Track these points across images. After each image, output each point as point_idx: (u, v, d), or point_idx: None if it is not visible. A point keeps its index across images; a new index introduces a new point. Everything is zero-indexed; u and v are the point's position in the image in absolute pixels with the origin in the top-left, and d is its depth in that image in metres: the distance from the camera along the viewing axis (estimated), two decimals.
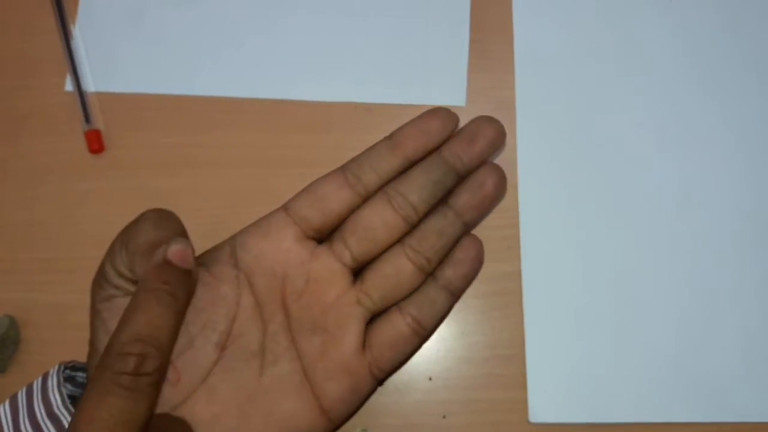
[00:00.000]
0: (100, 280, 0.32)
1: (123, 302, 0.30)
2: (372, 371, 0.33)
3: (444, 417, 0.38)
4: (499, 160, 0.42)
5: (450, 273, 0.34)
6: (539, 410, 0.38)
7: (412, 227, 0.34)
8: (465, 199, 0.34)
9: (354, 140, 0.42)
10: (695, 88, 0.43)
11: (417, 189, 0.33)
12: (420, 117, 0.35)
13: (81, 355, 0.34)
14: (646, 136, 0.42)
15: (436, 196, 0.34)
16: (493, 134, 0.34)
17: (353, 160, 0.35)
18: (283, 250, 0.33)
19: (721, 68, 0.43)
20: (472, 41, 0.43)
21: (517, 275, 0.40)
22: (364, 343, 0.33)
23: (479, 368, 0.39)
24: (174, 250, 0.29)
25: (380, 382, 0.35)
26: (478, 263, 0.35)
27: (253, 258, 0.33)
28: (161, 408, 0.30)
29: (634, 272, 0.40)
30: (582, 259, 0.40)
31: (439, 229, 0.34)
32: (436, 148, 0.34)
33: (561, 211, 0.41)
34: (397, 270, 0.33)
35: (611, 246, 0.40)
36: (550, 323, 0.39)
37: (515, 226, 0.41)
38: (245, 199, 0.42)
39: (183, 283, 0.29)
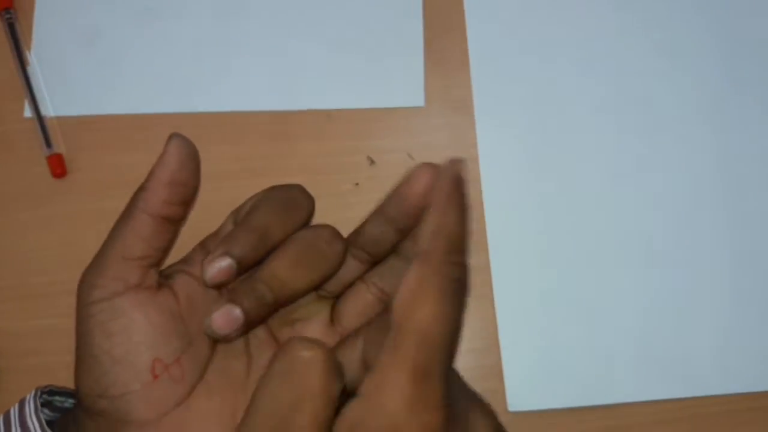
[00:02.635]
0: (95, 278, 0.30)
1: (125, 303, 0.30)
2: None
3: None
4: (461, 155, 0.42)
5: (408, 245, 0.34)
6: (517, 399, 0.38)
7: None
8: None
9: (316, 147, 0.43)
10: (651, 73, 0.44)
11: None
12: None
13: (60, 379, 0.34)
14: (604, 123, 0.43)
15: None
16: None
17: None
18: None
19: (677, 52, 0.44)
20: (426, 42, 0.44)
21: (485, 268, 0.40)
22: (333, 319, 0.34)
23: (455, 362, 0.39)
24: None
25: None
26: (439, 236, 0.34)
27: None
28: (167, 405, 0.30)
29: (600, 257, 0.41)
30: (548, 247, 0.41)
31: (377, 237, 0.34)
32: None
33: (525, 203, 0.42)
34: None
35: (576, 233, 0.41)
36: (521, 313, 0.40)
37: (480, 220, 0.41)
38: (212, 212, 0.42)
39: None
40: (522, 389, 0.38)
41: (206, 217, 0.41)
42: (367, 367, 0.27)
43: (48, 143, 0.42)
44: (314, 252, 0.32)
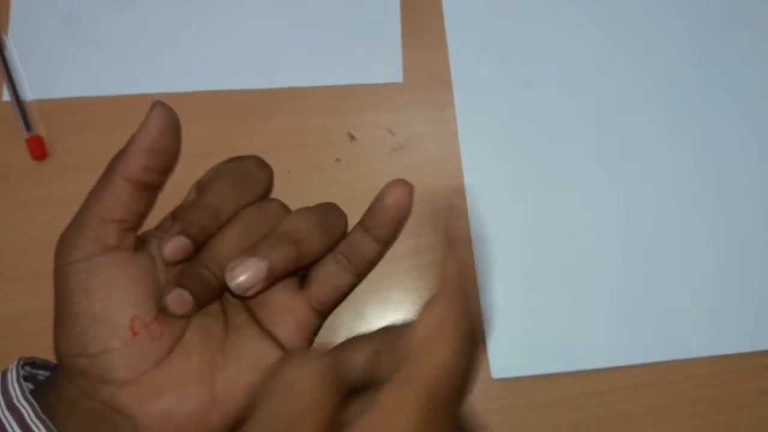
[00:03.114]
0: (74, 239, 0.31)
1: (104, 261, 0.30)
2: (313, 306, 0.34)
3: None
4: (441, 133, 0.43)
5: (367, 220, 0.35)
6: (501, 366, 0.39)
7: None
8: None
9: (296, 124, 0.43)
10: (628, 48, 0.45)
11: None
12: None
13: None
14: (582, 98, 0.44)
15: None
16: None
17: None
18: None
19: (651, 29, 0.45)
20: (404, 18, 0.45)
21: (467, 239, 0.41)
22: (302, 286, 0.35)
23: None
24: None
25: (324, 316, 0.36)
26: (396, 210, 0.35)
27: None
28: (146, 364, 0.31)
29: (579, 224, 0.41)
30: (528, 217, 0.41)
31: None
32: None
33: (504, 176, 0.42)
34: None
35: (556, 202, 0.42)
36: (503, 281, 0.40)
37: (462, 194, 0.42)
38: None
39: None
40: (505, 356, 0.39)
41: (183, 195, 0.41)
42: (373, 377, 0.27)
43: (27, 126, 0.42)
44: (259, 230, 0.33)
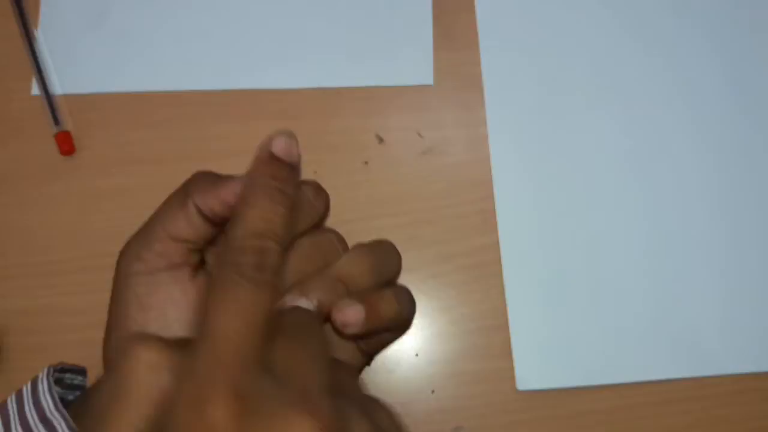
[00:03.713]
0: (140, 250, 0.31)
1: (166, 278, 0.30)
2: (361, 348, 0.34)
3: (432, 392, 0.39)
4: (470, 135, 0.42)
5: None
6: (526, 378, 0.38)
7: None
8: None
9: (325, 125, 0.42)
10: (659, 59, 0.44)
11: None
12: None
13: (66, 358, 0.33)
14: (615, 101, 0.43)
15: None
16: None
17: None
18: None
19: (678, 42, 0.44)
20: (435, 20, 0.44)
21: (495, 247, 0.40)
22: None
23: (464, 341, 0.39)
24: (279, 143, 0.29)
25: (372, 356, 0.35)
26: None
27: None
28: None
29: (608, 235, 0.41)
30: (557, 226, 0.41)
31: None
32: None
33: (534, 182, 0.41)
34: None
35: (584, 212, 0.41)
36: (530, 291, 0.39)
37: (490, 198, 0.41)
38: None
39: (291, 178, 0.29)
40: (531, 368, 0.38)
41: None
42: None
43: (56, 121, 0.42)
44: (314, 263, 0.33)
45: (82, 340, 0.33)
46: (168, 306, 0.30)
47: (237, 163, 0.41)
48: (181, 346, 0.26)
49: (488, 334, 0.39)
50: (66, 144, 0.42)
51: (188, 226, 0.31)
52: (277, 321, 0.28)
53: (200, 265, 0.32)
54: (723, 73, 0.43)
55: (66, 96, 0.43)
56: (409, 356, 0.39)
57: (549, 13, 0.44)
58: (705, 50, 0.44)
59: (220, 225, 0.31)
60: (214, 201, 0.30)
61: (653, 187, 0.41)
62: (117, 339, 0.30)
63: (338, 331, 0.31)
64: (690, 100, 0.43)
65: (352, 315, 0.30)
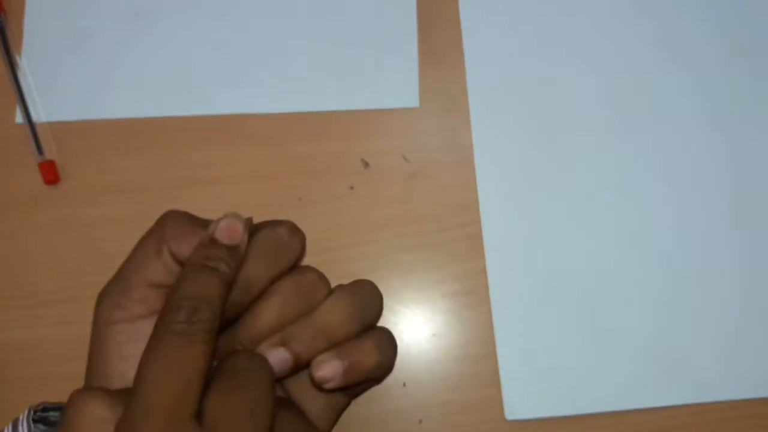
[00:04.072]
0: (118, 298, 0.31)
1: (146, 326, 0.29)
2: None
3: (420, 422, 0.38)
4: (456, 158, 0.42)
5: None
6: (515, 407, 0.38)
7: None
8: None
9: (309, 150, 0.42)
10: (652, 73, 0.43)
11: None
12: None
13: (53, 390, 0.33)
14: (603, 123, 0.42)
15: None
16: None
17: None
18: None
19: (679, 52, 0.43)
20: (421, 42, 0.43)
21: (482, 273, 0.40)
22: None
23: (452, 369, 0.39)
24: (221, 227, 0.30)
25: (354, 396, 0.36)
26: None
27: None
28: None
29: (599, 262, 0.40)
30: (545, 252, 0.40)
31: None
32: None
33: (522, 205, 0.41)
34: None
35: (575, 237, 0.40)
36: (518, 318, 0.39)
37: (477, 223, 0.40)
38: (206, 216, 0.41)
39: (228, 257, 0.30)
40: (519, 397, 0.38)
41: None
42: None
43: (40, 150, 0.42)
44: (296, 307, 0.33)
45: (73, 372, 0.33)
46: None
47: (222, 190, 0.41)
48: (128, 398, 0.26)
49: (476, 363, 0.39)
50: (50, 173, 0.41)
51: (165, 272, 0.31)
52: (219, 370, 0.29)
53: None
54: (730, 73, 0.43)
55: (51, 124, 0.43)
56: (397, 386, 0.39)
57: (535, 34, 0.43)
58: (693, 74, 0.43)
59: None
60: (189, 249, 0.30)
61: (646, 212, 0.41)
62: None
63: (317, 386, 0.31)
64: (687, 123, 0.42)
65: (330, 371, 0.31)
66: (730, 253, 0.40)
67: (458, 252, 0.40)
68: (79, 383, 0.31)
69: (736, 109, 0.42)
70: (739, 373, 0.38)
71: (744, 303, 0.39)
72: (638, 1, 0.44)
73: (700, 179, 0.41)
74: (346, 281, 0.34)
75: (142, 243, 0.32)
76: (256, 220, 0.35)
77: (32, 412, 0.33)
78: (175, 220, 0.31)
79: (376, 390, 0.38)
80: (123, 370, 0.30)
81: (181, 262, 0.30)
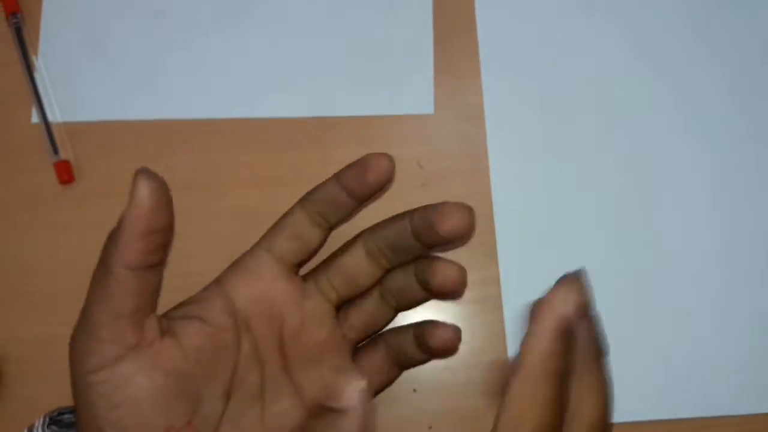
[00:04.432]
0: (87, 342, 0.28)
1: (127, 369, 0.27)
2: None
3: (430, 428, 0.38)
4: (471, 166, 0.42)
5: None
6: None
7: (386, 269, 0.36)
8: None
9: (324, 155, 0.42)
10: (660, 78, 0.43)
11: (387, 241, 0.35)
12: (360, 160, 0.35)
13: (59, 389, 0.33)
14: (618, 131, 0.42)
15: (401, 251, 0.35)
16: (461, 226, 0.33)
17: (307, 196, 0.35)
18: (277, 290, 0.34)
19: (685, 62, 0.43)
20: (437, 49, 0.43)
21: (495, 281, 0.40)
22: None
23: (463, 376, 0.39)
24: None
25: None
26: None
27: (249, 303, 0.33)
28: None
29: (613, 271, 0.40)
30: (559, 261, 0.40)
31: (401, 286, 0.36)
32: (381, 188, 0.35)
33: (535, 214, 0.41)
34: (375, 309, 0.36)
35: (588, 247, 0.40)
36: None
37: (491, 232, 0.40)
38: (219, 221, 0.42)
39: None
40: None
41: (216, 226, 0.41)
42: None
43: (55, 150, 0.42)
44: None
45: None
46: (138, 399, 0.28)
47: (237, 195, 0.42)
48: None
49: (488, 370, 0.39)
50: (65, 173, 0.42)
51: (126, 296, 0.28)
52: None
53: (164, 333, 0.30)
54: (732, 98, 0.43)
55: (66, 124, 0.43)
56: (408, 392, 0.39)
57: (552, 42, 0.43)
58: (714, 75, 0.43)
59: (156, 267, 0.29)
60: (138, 255, 0.28)
61: (664, 225, 0.41)
62: None
63: None
64: (701, 130, 0.42)
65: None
66: (745, 266, 0.40)
67: (471, 260, 0.40)
68: None
69: (747, 135, 0.42)
70: (752, 387, 0.38)
71: (758, 316, 0.39)
72: (660, 7, 0.44)
73: (724, 190, 0.41)
74: None
75: (93, 276, 0.29)
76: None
77: (47, 420, 0.33)
78: (116, 236, 0.29)
79: (386, 395, 0.38)
80: (115, 419, 0.28)
81: (135, 268, 0.28)
